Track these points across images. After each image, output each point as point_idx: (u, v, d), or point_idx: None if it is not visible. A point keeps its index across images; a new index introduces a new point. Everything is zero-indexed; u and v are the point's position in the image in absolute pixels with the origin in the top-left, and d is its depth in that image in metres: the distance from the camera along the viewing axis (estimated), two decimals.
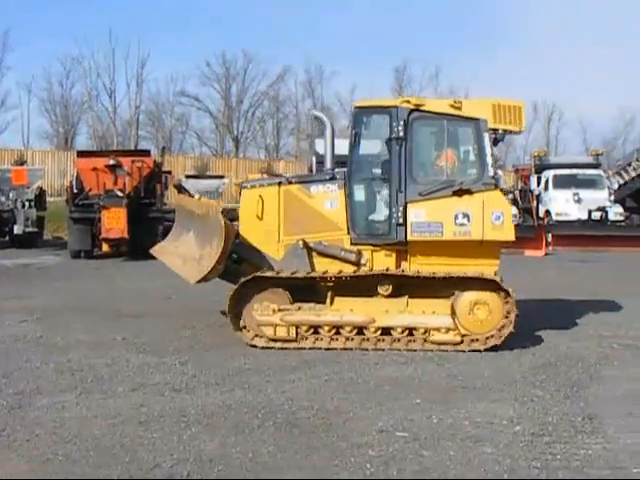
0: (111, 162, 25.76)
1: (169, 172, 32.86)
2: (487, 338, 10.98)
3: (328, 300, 11.22)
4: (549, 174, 36.20)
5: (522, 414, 8.06)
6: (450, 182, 11.32)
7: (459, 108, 11.31)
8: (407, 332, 11.04)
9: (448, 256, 11.39)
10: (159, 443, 7.10)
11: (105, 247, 26.23)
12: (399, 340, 11.03)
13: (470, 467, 6.54)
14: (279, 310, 11.10)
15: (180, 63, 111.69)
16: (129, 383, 9.20)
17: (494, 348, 10.93)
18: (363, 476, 6.34)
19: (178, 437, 7.26)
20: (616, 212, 33.12)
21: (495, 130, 11.44)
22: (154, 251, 13.21)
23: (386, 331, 11.09)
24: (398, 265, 11.55)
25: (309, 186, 11.78)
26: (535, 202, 36.02)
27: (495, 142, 11.52)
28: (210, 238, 11.18)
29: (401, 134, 11.30)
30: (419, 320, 11.01)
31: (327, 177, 11.78)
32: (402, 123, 11.29)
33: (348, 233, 11.57)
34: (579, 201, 33.02)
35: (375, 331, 11.05)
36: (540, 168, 37.93)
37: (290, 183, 11.89)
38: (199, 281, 11.28)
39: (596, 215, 31.59)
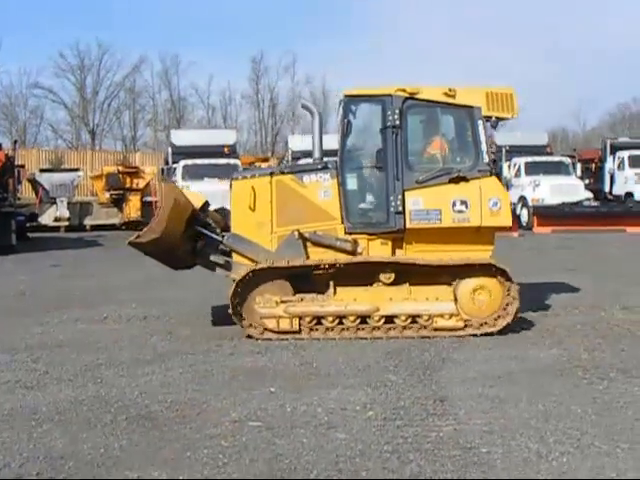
0: None
1: (22, 166, 32.22)
2: (483, 324, 11.16)
3: (331, 290, 11.18)
4: None
5: (375, 399, 8.15)
6: (447, 169, 11.43)
7: (453, 96, 11.40)
8: (410, 319, 11.12)
9: (444, 243, 11.46)
10: (8, 442, 6.94)
11: None
12: (395, 328, 11.10)
13: (323, 453, 6.60)
14: (282, 302, 11.02)
15: (33, 55, 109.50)
16: None
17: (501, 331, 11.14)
18: (215, 467, 6.34)
19: (28, 435, 7.11)
20: None
21: (488, 117, 11.60)
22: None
23: (389, 319, 11.13)
24: (394, 253, 11.57)
25: (302, 176, 11.63)
26: None
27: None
28: None
29: (396, 123, 11.30)
30: (423, 307, 11.08)
31: (319, 166, 11.70)
32: (397, 112, 11.30)
33: (342, 222, 11.50)
34: None
35: (379, 320, 11.07)
36: None
37: (282, 173, 11.76)
38: (131, 241, 11.20)
39: None
